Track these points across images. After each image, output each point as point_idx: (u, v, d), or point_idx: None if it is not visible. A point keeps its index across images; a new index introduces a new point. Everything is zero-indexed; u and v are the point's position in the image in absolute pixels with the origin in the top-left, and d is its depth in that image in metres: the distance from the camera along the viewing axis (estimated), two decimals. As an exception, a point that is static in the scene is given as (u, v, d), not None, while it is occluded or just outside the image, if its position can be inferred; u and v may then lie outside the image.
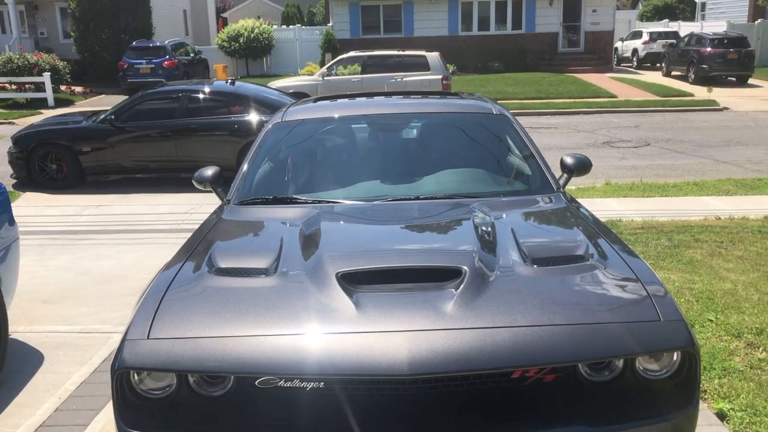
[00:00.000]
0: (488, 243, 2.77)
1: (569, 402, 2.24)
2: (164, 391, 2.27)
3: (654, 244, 6.45)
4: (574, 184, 7.87)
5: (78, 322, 4.92)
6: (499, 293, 2.40)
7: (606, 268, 2.60)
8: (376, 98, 4.61)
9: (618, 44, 31.05)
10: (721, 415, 3.57)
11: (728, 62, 22.60)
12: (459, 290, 2.36)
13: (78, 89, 22.59)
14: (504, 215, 3.17)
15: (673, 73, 25.09)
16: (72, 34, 25.65)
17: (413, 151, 4.14)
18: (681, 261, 5.94)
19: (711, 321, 4.69)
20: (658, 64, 27.60)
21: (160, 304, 2.44)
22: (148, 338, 2.27)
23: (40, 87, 20.24)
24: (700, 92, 20.20)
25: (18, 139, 10.38)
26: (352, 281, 2.43)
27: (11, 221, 4.58)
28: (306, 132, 4.07)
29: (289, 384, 2.18)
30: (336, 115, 4.22)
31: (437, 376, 2.12)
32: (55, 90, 20.80)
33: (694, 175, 10.31)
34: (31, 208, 8.88)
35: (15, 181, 10.32)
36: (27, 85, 20.38)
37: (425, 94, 4.67)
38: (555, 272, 2.56)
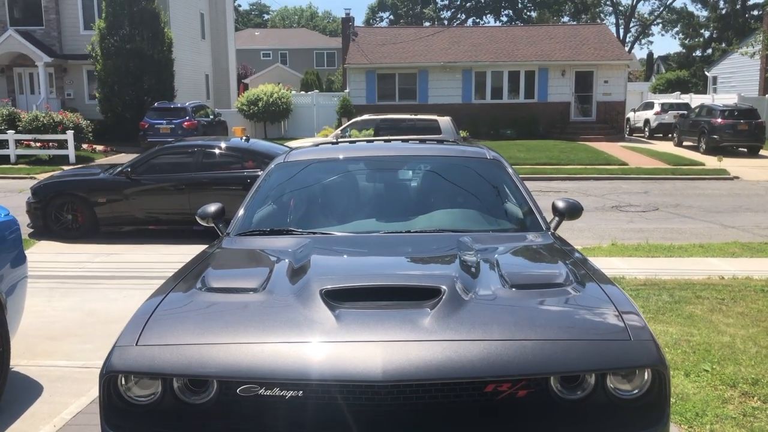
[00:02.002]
0: (470, 268, 2.87)
1: (541, 419, 2.29)
2: (149, 398, 2.35)
3: (655, 299, 6.47)
4: (579, 243, 7.95)
5: (80, 358, 5.01)
6: (475, 311, 2.49)
7: (582, 294, 2.69)
8: (375, 143, 4.81)
9: (630, 114, 31.52)
10: (711, 458, 3.56)
11: (739, 133, 22.86)
12: (436, 308, 2.46)
13: (99, 147, 23.23)
14: (489, 247, 3.28)
15: (685, 143, 25.36)
16: (97, 95, 26.50)
17: (407, 191, 4.30)
18: (681, 315, 5.95)
19: (706, 371, 4.68)
20: (669, 135, 27.92)
21: (150, 316, 2.55)
22: (136, 345, 2.38)
23: (63, 144, 20.85)
24: (710, 162, 20.37)
25: (37, 190, 10.69)
26: (335, 298, 2.53)
27: (21, 258, 4.74)
28: (307, 171, 4.25)
29: (269, 392, 2.26)
30: (336, 157, 4.40)
31: (411, 384, 2.19)
32: (77, 148, 21.39)
33: (701, 239, 10.34)
34: (44, 254, 9.07)
35: (31, 231, 10.55)
36: (51, 143, 21.01)
37: (422, 140, 4.85)
38: (532, 295, 2.65)
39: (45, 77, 27.65)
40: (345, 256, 3.36)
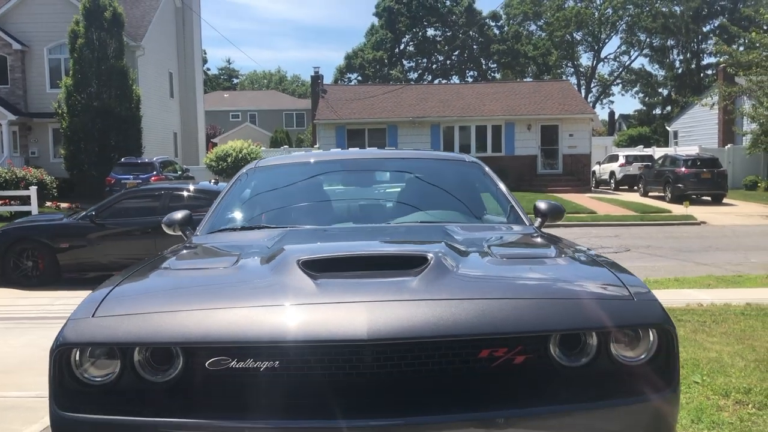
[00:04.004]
0: (457, 246, 2.69)
1: (542, 389, 2.08)
2: (107, 378, 2.09)
3: (636, 323, 6.32)
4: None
5: (33, 388, 4.65)
6: (466, 275, 2.32)
7: (579, 264, 2.55)
8: (351, 149, 4.67)
9: (596, 167, 32.05)
10: (712, 459, 3.36)
11: (702, 181, 23.28)
12: (424, 272, 2.26)
13: (64, 205, 22.71)
14: (476, 234, 3.12)
15: (651, 193, 25.74)
16: (62, 152, 26.12)
17: (386, 192, 4.12)
18: (664, 336, 5.80)
19: (697, 383, 4.52)
20: (635, 187, 28.35)
21: (108, 293, 2.32)
22: (93, 317, 2.14)
23: (25, 201, 20.32)
24: (677, 209, 20.62)
25: (-4, 237, 10.27)
26: (314, 268, 2.31)
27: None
28: (280, 174, 4.08)
29: (241, 364, 2.03)
30: (310, 161, 4.24)
31: (398, 343, 1.98)
32: (41, 205, 20.85)
33: (675, 274, 10.30)
34: (1, 299, 8.65)
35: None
36: (12, 200, 20.49)
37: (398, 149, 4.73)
38: (526, 263, 2.49)
39: (9, 135, 27.24)
40: (324, 241, 3.15)
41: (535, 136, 29.28)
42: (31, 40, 28.14)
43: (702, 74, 55.31)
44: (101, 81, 25.17)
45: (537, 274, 2.43)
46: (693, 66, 56.44)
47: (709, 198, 23.89)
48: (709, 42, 53.86)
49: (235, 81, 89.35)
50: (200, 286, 2.35)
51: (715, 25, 53.30)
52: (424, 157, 4.36)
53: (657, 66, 60.58)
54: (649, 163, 27.45)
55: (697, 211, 20.03)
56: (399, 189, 4.08)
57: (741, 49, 26.37)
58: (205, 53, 65.31)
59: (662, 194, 24.46)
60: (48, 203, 22.05)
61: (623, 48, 62.88)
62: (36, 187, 20.35)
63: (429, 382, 2.04)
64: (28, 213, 20.11)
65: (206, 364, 2.04)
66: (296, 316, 2.06)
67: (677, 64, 58.14)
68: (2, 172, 20.76)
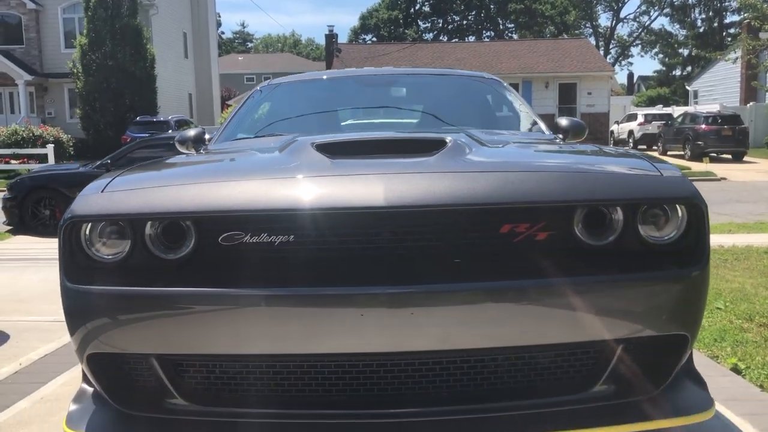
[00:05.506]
0: (477, 136, 2.59)
1: (564, 263, 1.99)
2: (117, 255, 2.04)
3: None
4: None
5: (50, 314, 4.67)
6: (488, 151, 2.24)
7: (605, 151, 2.46)
8: (366, 68, 4.56)
9: (614, 127, 31.60)
10: (736, 370, 3.29)
11: (723, 139, 22.83)
12: (443, 150, 2.17)
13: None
14: (498, 136, 3.02)
15: (670, 152, 25.33)
16: (78, 111, 26.14)
17: (406, 102, 4.00)
18: (685, 271, 5.71)
19: (720, 309, 4.44)
20: (654, 146, 27.93)
21: (120, 174, 2.26)
22: (102, 192, 2.08)
23: (43, 160, 20.41)
24: (697, 167, 20.29)
25: (13, 186, 10.30)
26: (330, 150, 2.23)
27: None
28: (292, 90, 3.99)
29: (255, 239, 1.96)
30: (323, 77, 4.14)
31: (415, 211, 1.90)
32: (58, 163, 20.97)
33: (695, 222, 10.15)
34: (19, 244, 8.72)
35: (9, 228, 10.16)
36: (29, 160, 20.56)
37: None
38: (549, 149, 2.40)
39: (25, 96, 27.29)
40: (338, 132, 3.06)
41: (552, 95, 28.87)
42: (45, -1, 28.04)
43: (724, 33, 54.04)
44: (115, 40, 25.04)
45: (562, 155, 2.34)
46: (715, 24, 55.18)
47: (730, 156, 23.47)
48: (732, -1, 52.58)
49: (249, 45, 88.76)
50: (214, 164, 2.29)
51: (740, -20, 51.93)
52: (441, 73, 4.25)
53: (678, 26, 59.35)
54: (669, 122, 26.97)
55: (718, 168, 19.70)
56: (419, 99, 3.98)
57: (767, 4, 25.63)
58: (219, 16, 64.77)
59: (681, 152, 24.07)
60: (65, 162, 22.15)
61: (643, 8, 61.54)
62: (53, 145, 20.43)
63: (448, 255, 1.96)
64: (46, 171, 20.26)
65: (219, 240, 1.98)
66: (312, 186, 1.98)
67: (699, 23, 56.90)
68: (19, 131, 20.81)
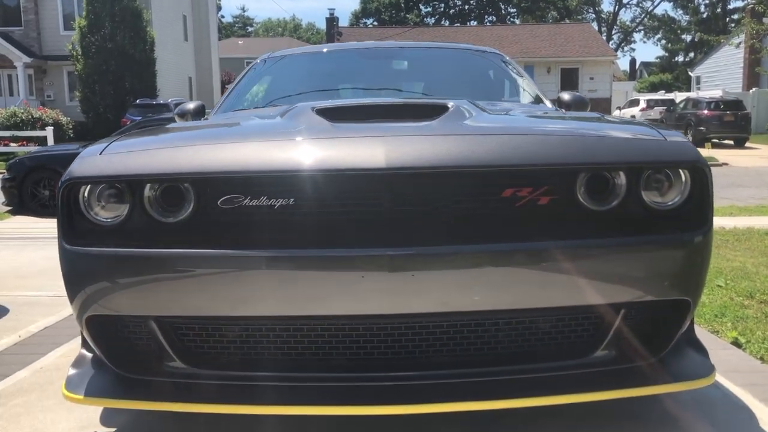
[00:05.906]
0: (479, 103, 2.57)
1: (567, 227, 1.98)
2: (116, 219, 2.03)
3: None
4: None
5: (50, 289, 4.66)
6: (489, 117, 2.22)
7: (610, 120, 2.44)
8: (368, 41, 4.54)
9: (616, 113, 31.51)
10: (736, 344, 3.29)
11: (725, 124, 22.75)
12: (445, 115, 2.15)
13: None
14: (502, 106, 3.00)
15: (671, 137, 25.25)
16: (78, 94, 26.04)
17: (408, 73, 3.98)
18: (686, 250, 5.70)
19: (720, 286, 4.43)
20: (655, 131, 27.82)
21: (118, 138, 2.24)
22: (101, 154, 2.06)
23: (42, 142, 20.35)
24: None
25: (12, 166, 10.26)
26: (330, 115, 2.21)
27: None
28: (293, 62, 3.96)
29: (255, 202, 1.95)
30: (323, 50, 4.11)
31: (416, 173, 1.88)
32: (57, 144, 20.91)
33: (696, 205, 10.13)
34: (19, 223, 8.72)
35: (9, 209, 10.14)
36: (28, 143, 20.49)
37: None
38: (552, 117, 2.38)
39: (24, 78, 27.16)
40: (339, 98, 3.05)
41: (554, 79, 28.79)
42: (43, -20, 27.84)
43: (728, 18, 53.72)
44: (115, 22, 24.88)
45: (565, 121, 2.33)
46: (719, 10, 54.85)
47: (732, 142, 23.40)
48: (736, -16, 52.30)
49: (250, 29, 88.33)
50: (213, 128, 2.28)
51: (744, -35, 51.60)
52: (443, 47, 4.22)
53: (681, 11, 58.99)
54: (671, 107, 26.88)
55: (719, 154, 19.65)
56: (422, 70, 3.96)
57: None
58: (219, 0, 64.38)
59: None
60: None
61: (646, -8, 61.18)
62: (52, 127, 20.35)
63: (450, 218, 1.95)
64: (45, 154, 20.20)
65: (218, 203, 1.96)
66: (312, 148, 1.97)
67: (702, 8, 56.57)
68: (18, 113, 20.73)
